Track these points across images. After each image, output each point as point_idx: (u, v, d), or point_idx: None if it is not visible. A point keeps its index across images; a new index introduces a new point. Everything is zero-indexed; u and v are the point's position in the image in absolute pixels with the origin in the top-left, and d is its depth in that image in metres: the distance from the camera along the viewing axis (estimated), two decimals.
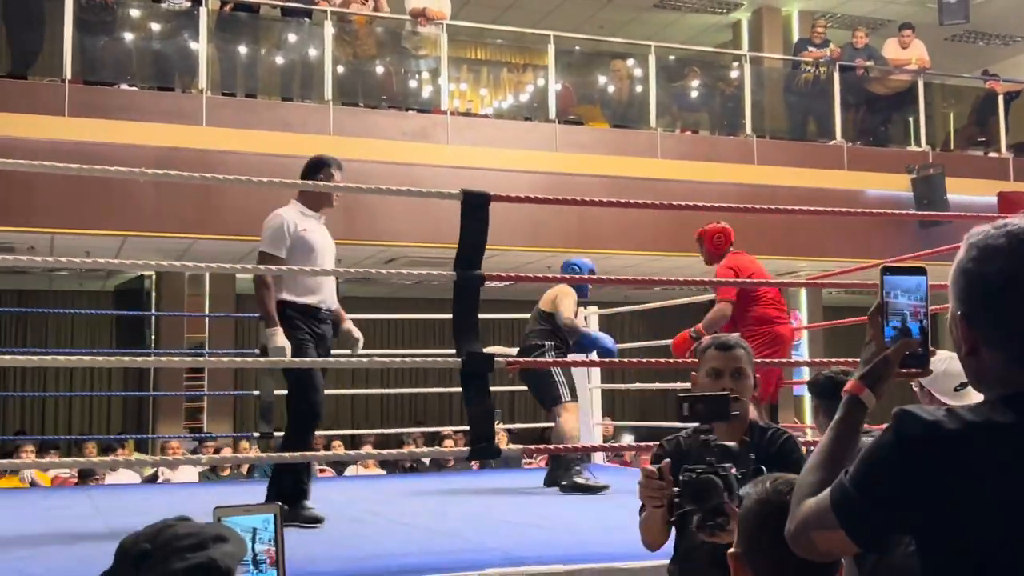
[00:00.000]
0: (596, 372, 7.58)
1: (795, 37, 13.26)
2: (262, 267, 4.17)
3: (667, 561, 3.10)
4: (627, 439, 9.48)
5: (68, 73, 8.67)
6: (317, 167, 4.66)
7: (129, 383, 12.05)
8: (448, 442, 9.11)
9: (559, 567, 3.00)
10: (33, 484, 7.69)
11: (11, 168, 4.08)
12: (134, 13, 9.54)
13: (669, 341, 7.48)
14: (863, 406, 1.52)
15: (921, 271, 1.54)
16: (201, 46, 9.17)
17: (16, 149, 8.10)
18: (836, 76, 11.25)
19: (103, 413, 12.34)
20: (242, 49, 9.83)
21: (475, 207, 3.42)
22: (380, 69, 10.32)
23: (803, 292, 12.35)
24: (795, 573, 1.56)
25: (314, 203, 4.61)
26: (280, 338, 4.32)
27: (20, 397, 11.83)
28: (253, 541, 1.90)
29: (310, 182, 4.53)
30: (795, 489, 1.51)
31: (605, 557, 3.14)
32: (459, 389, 3.92)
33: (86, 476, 7.71)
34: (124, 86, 9.17)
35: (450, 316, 3.57)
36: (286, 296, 4.41)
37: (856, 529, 1.38)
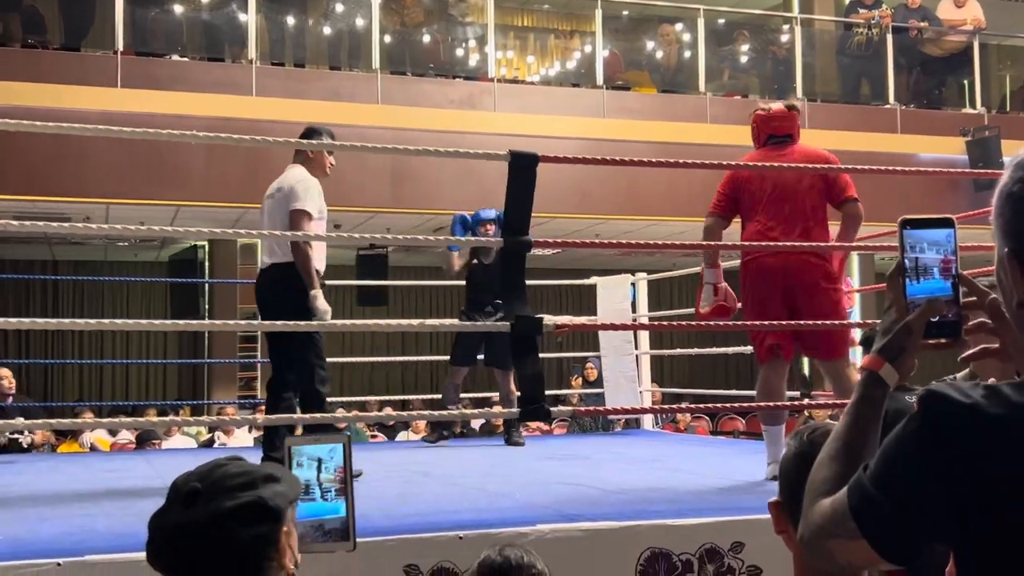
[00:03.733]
0: (644, 337, 7.57)
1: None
2: (306, 233, 4.19)
3: (705, 519, 3.12)
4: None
5: (120, 45, 8.79)
6: (311, 135, 4.72)
7: (184, 351, 12.26)
8: (497, 407, 9.15)
9: (611, 523, 3.02)
10: (93, 449, 7.88)
11: (65, 133, 4.16)
12: None
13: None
14: (884, 384, 1.29)
15: (948, 222, 1.30)
16: (250, 16, 9.23)
17: (69, 120, 8.23)
18: (889, 38, 11.06)
19: (159, 381, 12.56)
20: (290, 19, 9.88)
21: (523, 168, 3.42)
22: (427, 37, 10.32)
23: (855, 257, 12.21)
24: None
25: (317, 171, 4.68)
26: (323, 301, 4.40)
27: (79, 365, 12.09)
28: (319, 471, 1.93)
29: (369, 144, 4.57)
30: (808, 486, 1.29)
31: (656, 515, 3.16)
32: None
33: (144, 441, 7.87)
34: (175, 57, 9.28)
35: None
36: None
37: (881, 537, 1.16)
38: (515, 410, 3.44)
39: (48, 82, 8.45)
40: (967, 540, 1.13)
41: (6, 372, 7.92)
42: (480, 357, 6.51)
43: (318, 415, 4.12)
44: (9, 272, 11.32)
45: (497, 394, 7.12)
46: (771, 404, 3.99)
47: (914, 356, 1.29)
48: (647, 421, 7.75)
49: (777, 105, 4.50)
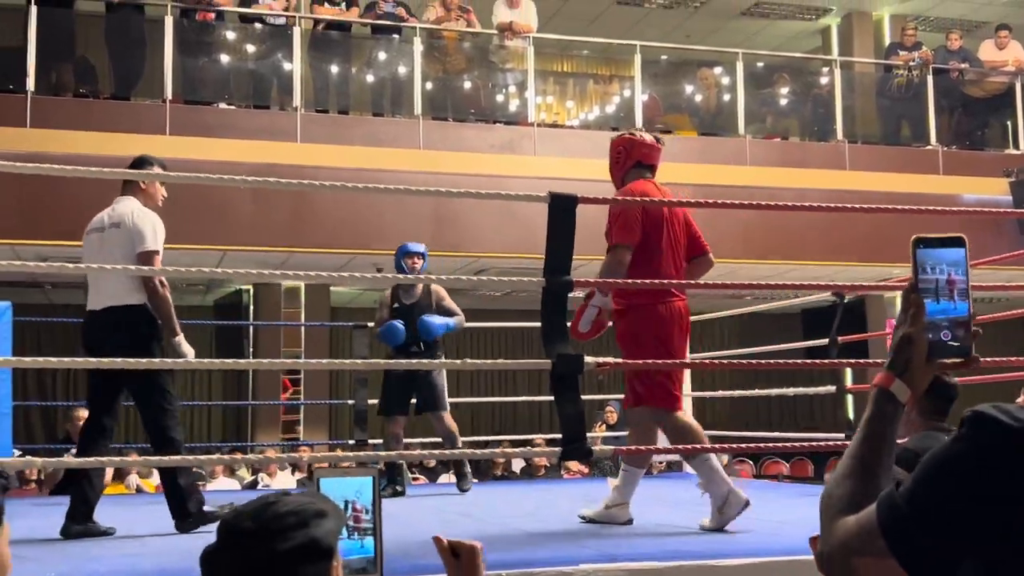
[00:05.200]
0: (686, 378, 7.52)
1: (887, 42, 13.06)
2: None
3: (760, 559, 3.11)
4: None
5: (168, 94, 9.00)
6: (141, 164, 4.46)
7: (228, 394, 12.40)
8: (539, 447, 9.16)
9: (654, 564, 3.03)
10: (139, 490, 7.97)
11: (111, 178, 4.31)
12: (230, 35, 9.85)
13: (760, 348, 7.46)
14: (895, 400, 1.29)
15: (960, 241, 1.32)
16: (295, 65, 9.43)
17: (120, 167, 8.44)
18: (930, 79, 11.05)
19: (204, 423, 12.70)
20: (334, 68, 10.07)
21: (563, 209, 3.47)
22: (468, 84, 10.47)
23: (899, 298, 12.12)
24: None
25: (151, 202, 4.49)
26: (187, 345, 4.33)
27: (125, 407, 12.24)
28: (347, 506, 1.86)
29: (413, 188, 4.56)
30: (822, 502, 1.29)
31: (698, 555, 3.15)
32: (548, 398, 3.95)
33: None
34: (222, 105, 9.48)
35: (538, 324, 3.61)
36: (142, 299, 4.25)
37: (912, 556, 1.15)
38: (558, 449, 3.46)
39: (100, 130, 8.67)
40: (1006, 560, 1.11)
41: (83, 413, 8.10)
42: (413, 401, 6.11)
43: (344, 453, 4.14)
44: (60, 315, 11.53)
45: (536, 436, 7.07)
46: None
47: (925, 372, 1.30)
48: (688, 464, 7.72)
49: (649, 137, 4.39)
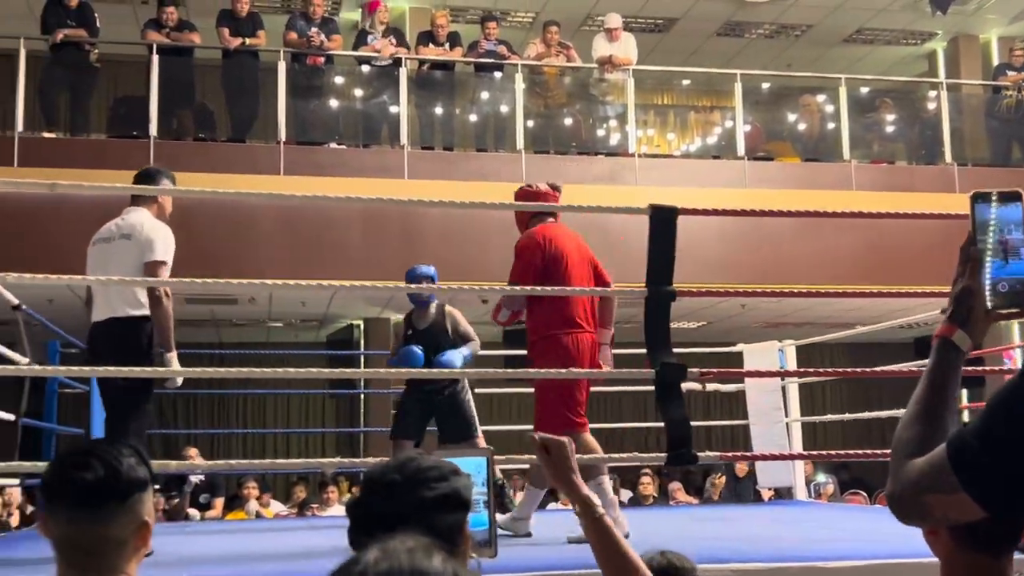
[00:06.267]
0: (795, 404, 7.47)
1: (994, 63, 12.81)
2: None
3: (858, 562, 3.12)
4: (820, 478, 9.27)
5: (282, 135, 9.38)
6: (155, 175, 4.41)
7: (340, 420, 12.73)
8: (645, 479, 9.16)
9: (760, 564, 3.06)
10: (258, 516, 8.24)
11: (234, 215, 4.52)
12: (339, 78, 10.23)
13: (865, 369, 7.36)
14: (957, 349, 1.34)
15: (1017, 196, 1.35)
16: (402, 105, 9.72)
17: (239, 206, 8.83)
18: None
19: (317, 449, 13.04)
20: (439, 106, 10.35)
21: (663, 221, 3.56)
22: (569, 117, 10.64)
23: (1015, 326, 11.77)
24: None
25: (162, 215, 4.40)
26: (177, 363, 4.20)
27: (243, 435, 12.71)
28: None
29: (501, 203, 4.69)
30: (893, 445, 1.33)
31: (806, 558, 3.18)
32: (655, 424, 3.98)
33: (303, 508, 8.21)
34: (332, 145, 9.83)
35: (638, 351, 3.70)
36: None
37: (984, 491, 1.18)
38: (662, 454, 3.53)
39: (218, 172, 9.07)
40: None
41: (193, 451, 8.46)
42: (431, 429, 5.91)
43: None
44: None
45: (642, 455, 7.01)
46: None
47: (985, 322, 1.36)
48: (800, 491, 7.62)
49: (542, 185, 4.76)
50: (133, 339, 4.09)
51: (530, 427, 4.61)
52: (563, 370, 4.05)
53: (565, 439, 1.98)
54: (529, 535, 4.46)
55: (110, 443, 1.72)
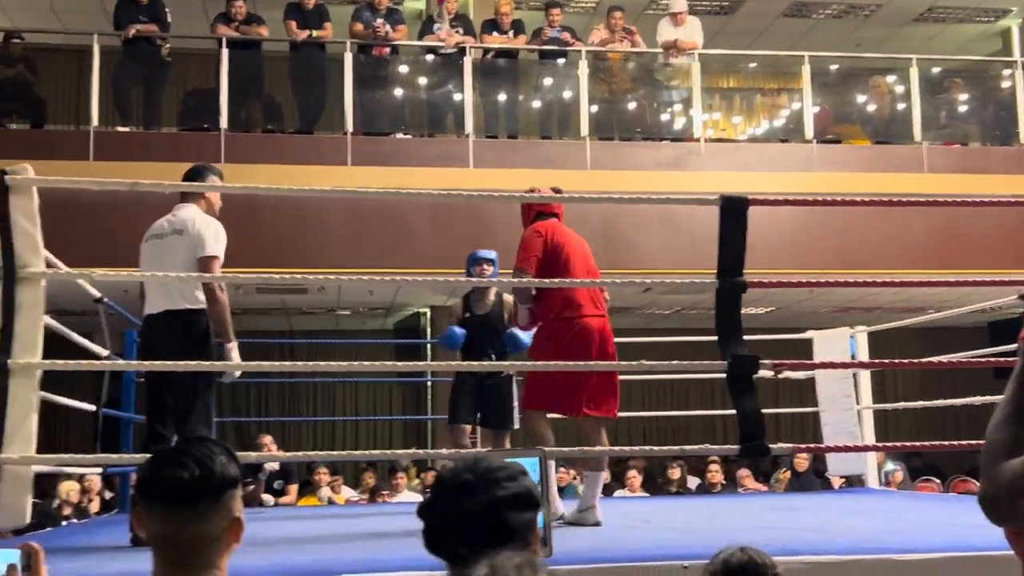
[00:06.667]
0: (866, 391, 7.37)
1: None
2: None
3: (935, 554, 3.09)
4: (889, 465, 9.13)
5: (349, 127, 9.48)
6: (203, 172, 4.51)
7: (408, 408, 12.88)
8: (713, 466, 9.12)
9: (835, 557, 3.05)
10: (330, 503, 8.38)
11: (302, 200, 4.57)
12: (404, 68, 10.30)
13: (942, 358, 7.23)
14: None
15: None
16: (466, 93, 9.76)
17: (307, 197, 8.94)
18: None
19: (385, 436, 13.20)
20: (503, 94, 10.37)
21: (734, 212, 3.55)
22: (633, 103, 10.59)
23: None
24: None
25: (212, 211, 4.50)
26: (238, 354, 4.28)
27: (314, 422, 12.92)
28: None
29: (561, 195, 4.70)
30: (985, 448, 1.33)
31: (882, 551, 3.15)
32: (720, 412, 3.98)
33: (374, 494, 8.33)
34: (398, 135, 9.90)
35: (708, 338, 3.71)
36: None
37: None
38: (735, 447, 3.52)
39: (286, 163, 9.21)
40: None
41: (268, 439, 8.62)
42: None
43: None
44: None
45: (710, 446, 6.99)
46: None
47: None
48: (872, 479, 7.52)
49: (545, 189, 5.02)
50: (188, 331, 4.20)
51: (561, 417, 4.77)
52: (585, 362, 4.10)
53: None
54: (598, 524, 4.45)
55: (201, 442, 1.78)
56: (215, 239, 4.27)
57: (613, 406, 4.66)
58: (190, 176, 4.48)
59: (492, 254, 5.93)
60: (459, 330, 5.66)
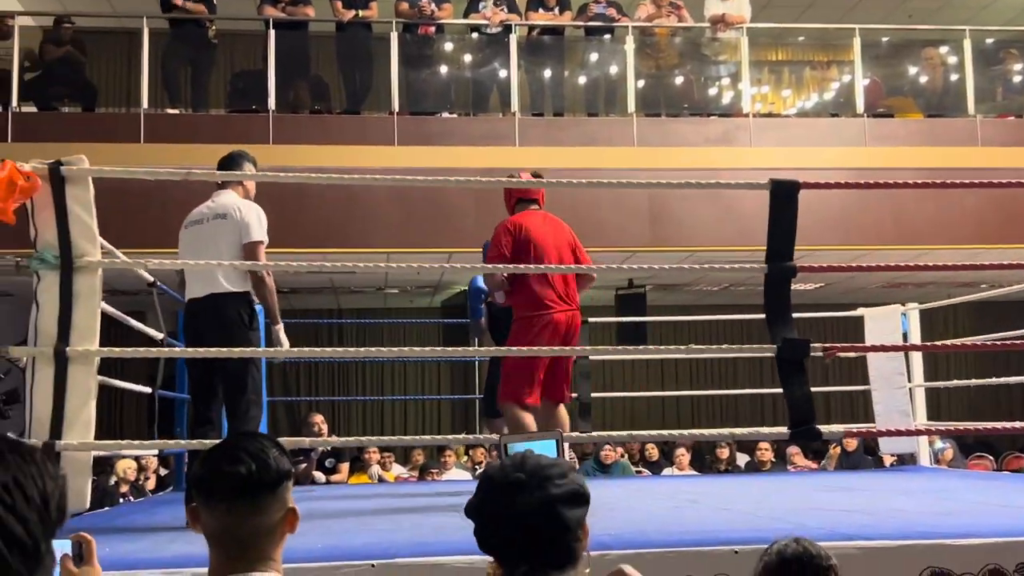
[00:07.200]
0: (918, 370, 7.28)
1: None
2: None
3: (988, 539, 3.06)
4: (939, 443, 9.02)
5: (395, 106, 9.50)
6: (239, 159, 4.62)
7: (455, 387, 12.96)
8: (763, 444, 9.08)
9: (888, 542, 3.03)
10: (380, 480, 8.47)
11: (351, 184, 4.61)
12: (449, 46, 10.28)
13: (998, 336, 7.12)
14: None
15: None
16: (512, 71, 9.73)
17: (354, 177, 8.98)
18: None
19: (433, 416, 13.29)
20: (548, 72, 10.32)
21: (784, 196, 3.51)
22: (681, 78, 10.49)
23: None
24: None
25: (248, 197, 4.59)
26: (284, 335, 4.44)
27: (363, 401, 13.05)
28: None
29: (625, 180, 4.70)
30: None
31: (935, 535, 3.13)
32: (768, 391, 3.95)
33: (424, 472, 8.40)
34: (444, 114, 9.90)
35: (757, 316, 3.69)
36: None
37: None
38: (785, 430, 3.50)
39: (333, 143, 9.26)
40: None
41: (319, 418, 8.72)
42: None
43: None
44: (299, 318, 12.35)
45: (760, 430, 6.93)
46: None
47: None
48: (923, 457, 7.45)
49: (525, 173, 5.20)
50: (235, 313, 4.31)
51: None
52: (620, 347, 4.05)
53: (627, 569, 2.01)
54: None
55: (253, 437, 1.82)
56: (259, 224, 4.39)
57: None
58: (225, 163, 4.60)
59: None
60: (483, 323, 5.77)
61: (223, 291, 4.31)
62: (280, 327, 4.40)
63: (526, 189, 5.00)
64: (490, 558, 1.75)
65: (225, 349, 4.00)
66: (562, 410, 4.94)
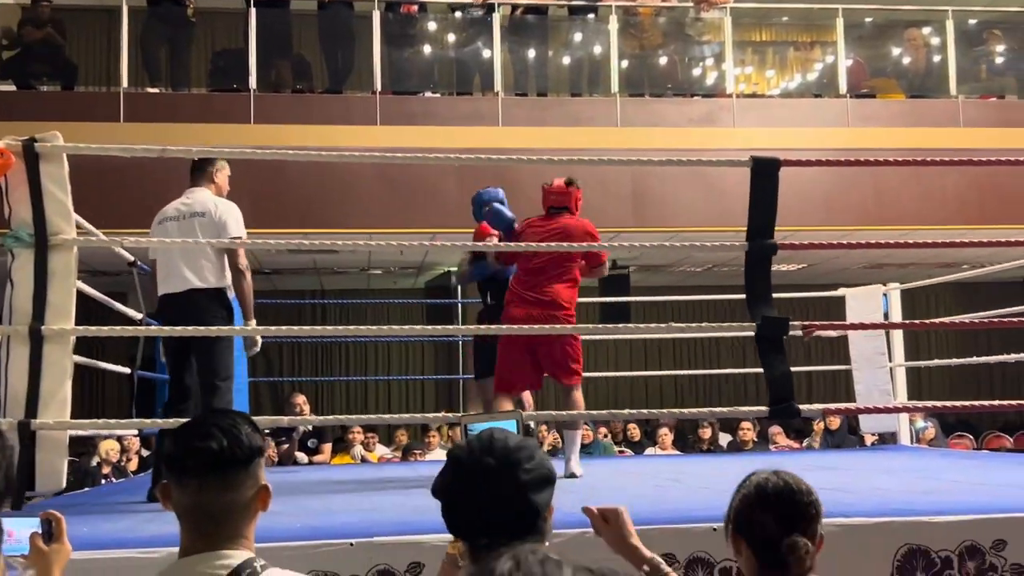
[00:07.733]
0: (899, 349, 7.32)
1: None
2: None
3: (965, 516, 3.08)
4: (920, 423, 9.07)
5: (377, 86, 9.44)
6: (209, 162, 4.63)
7: (439, 368, 12.95)
8: (745, 423, 9.12)
9: (866, 519, 3.04)
10: (363, 461, 8.46)
11: (332, 161, 4.58)
12: (432, 25, 10.22)
13: (979, 315, 7.16)
14: None
15: None
16: (495, 51, 9.69)
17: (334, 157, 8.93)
18: None
19: (417, 396, 13.29)
20: (532, 52, 10.28)
21: (765, 174, 3.50)
22: (664, 58, 10.46)
23: None
24: None
25: (222, 194, 4.63)
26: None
27: (346, 382, 13.03)
28: None
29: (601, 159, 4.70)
30: None
31: (912, 512, 3.14)
32: (751, 371, 3.97)
33: (407, 453, 8.40)
34: (427, 94, 9.85)
35: (739, 296, 3.70)
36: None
37: None
38: (764, 408, 3.51)
39: (315, 123, 9.20)
40: None
41: (301, 398, 8.69)
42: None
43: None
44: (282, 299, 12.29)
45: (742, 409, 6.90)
46: None
47: None
48: (904, 436, 7.49)
49: (558, 181, 5.31)
50: (214, 307, 4.38)
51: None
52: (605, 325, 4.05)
53: (622, 508, 2.17)
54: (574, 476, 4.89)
55: (224, 413, 1.80)
56: (237, 222, 4.45)
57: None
58: (199, 166, 4.62)
59: (499, 192, 5.80)
60: (510, 214, 5.46)
61: (200, 286, 4.35)
62: (252, 322, 4.48)
63: (557, 198, 5.26)
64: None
65: (202, 328, 3.98)
66: (573, 393, 5.08)
